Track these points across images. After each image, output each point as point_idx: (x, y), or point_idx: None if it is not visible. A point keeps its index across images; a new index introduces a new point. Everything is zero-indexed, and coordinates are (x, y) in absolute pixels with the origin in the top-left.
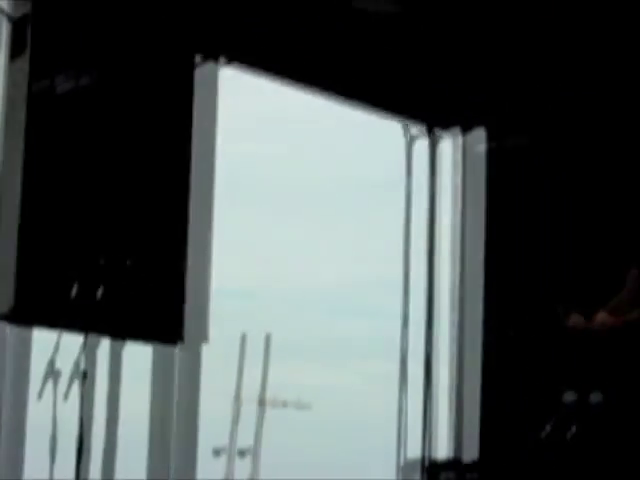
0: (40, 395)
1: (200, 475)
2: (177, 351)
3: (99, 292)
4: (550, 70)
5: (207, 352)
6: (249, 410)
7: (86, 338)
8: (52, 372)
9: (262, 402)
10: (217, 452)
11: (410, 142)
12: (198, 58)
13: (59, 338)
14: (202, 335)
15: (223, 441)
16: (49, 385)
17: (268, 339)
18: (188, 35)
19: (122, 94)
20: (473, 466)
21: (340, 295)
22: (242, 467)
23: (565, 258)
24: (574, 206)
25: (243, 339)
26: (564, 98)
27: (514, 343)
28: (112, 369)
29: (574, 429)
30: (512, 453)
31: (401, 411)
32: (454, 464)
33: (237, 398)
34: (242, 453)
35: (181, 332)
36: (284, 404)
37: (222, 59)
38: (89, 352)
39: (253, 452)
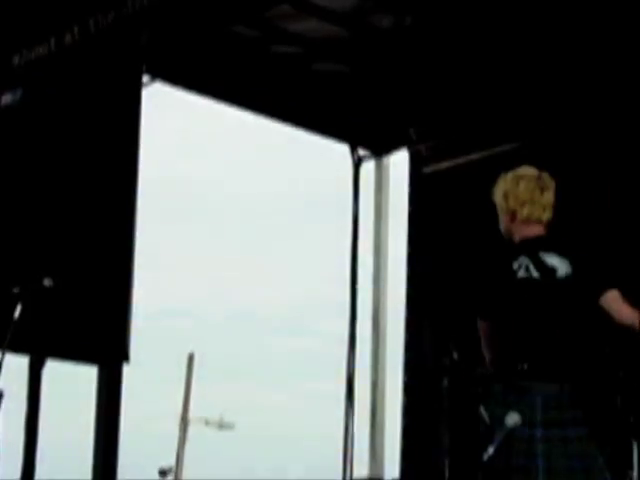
0: None
1: None
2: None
3: (17, 311)
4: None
5: (140, 371)
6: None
7: (2, 356)
8: None
9: (184, 421)
10: (163, 473)
11: (357, 163)
12: (146, 77)
13: (2, 358)
14: (122, 354)
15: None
16: None
17: (191, 358)
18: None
19: (49, 113)
20: None
21: (279, 315)
22: None
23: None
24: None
25: (190, 358)
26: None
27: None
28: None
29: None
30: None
31: (347, 430)
32: None
33: (184, 418)
34: (163, 473)
35: (126, 351)
36: (206, 423)
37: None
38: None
39: (175, 471)
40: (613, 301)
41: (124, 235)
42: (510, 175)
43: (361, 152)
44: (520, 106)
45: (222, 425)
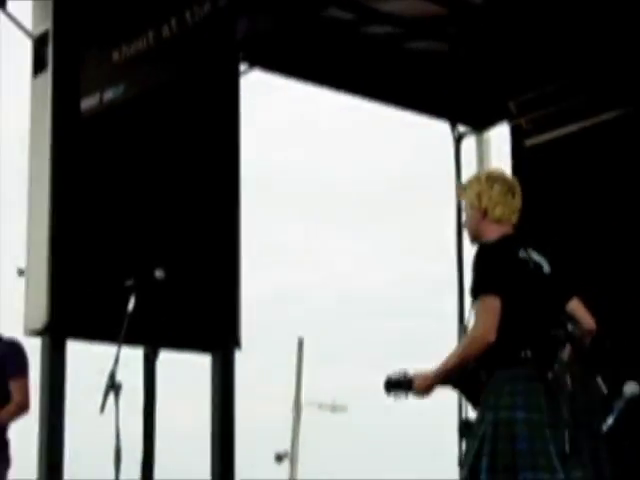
0: (102, 409)
1: None
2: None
3: (131, 304)
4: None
5: (257, 357)
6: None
7: (119, 349)
8: (112, 385)
9: (297, 406)
10: (279, 457)
11: (458, 139)
12: (243, 66)
13: (119, 351)
14: (234, 341)
15: (282, 446)
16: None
17: (301, 343)
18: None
19: (151, 106)
20: None
21: (387, 296)
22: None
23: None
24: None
25: (300, 343)
26: None
27: None
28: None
29: None
30: None
31: (461, 408)
32: None
33: (297, 403)
34: (279, 457)
35: (238, 338)
36: (319, 406)
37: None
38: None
39: (290, 455)
40: (578, 307)
41: (229, 224)
42: (484, 177)
43: (461, 128)
44: (621, 74)
45: (335, 408)
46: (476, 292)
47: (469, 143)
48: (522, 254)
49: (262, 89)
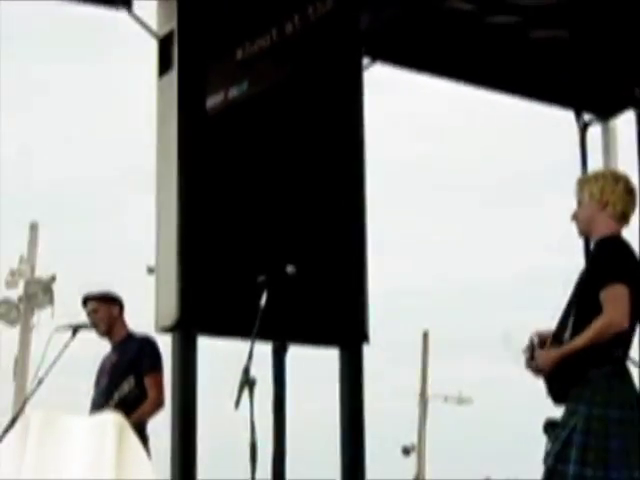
0: (237, 404)
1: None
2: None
3: (264, 299)
4: None
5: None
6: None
7: (252, 344)
8: (247, 380)
9: (423, 398)
10: (406, 451)
11: (583, 128)
12: (366, 60)
13: (252, 347)
14: (362, 335)
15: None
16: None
17: (426, 336)
18: (355, 37)
19: (275, 102)
20: None
21: (514, 289)
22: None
23: None
24: None
25: (425, 336)
26: None
27: None
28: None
29: None
30: None
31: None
32: None
33: (423, 395)
34: (406, 451)
35: (366, 332)
36: (445, 399)
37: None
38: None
39: (417, 449)
40: None
41: (356, 219)
42: (609, 173)
43: (586, 117)
44: None
45: (461, 400)
46: (606, 279)
47: (595, 132)
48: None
49: (385, 84)
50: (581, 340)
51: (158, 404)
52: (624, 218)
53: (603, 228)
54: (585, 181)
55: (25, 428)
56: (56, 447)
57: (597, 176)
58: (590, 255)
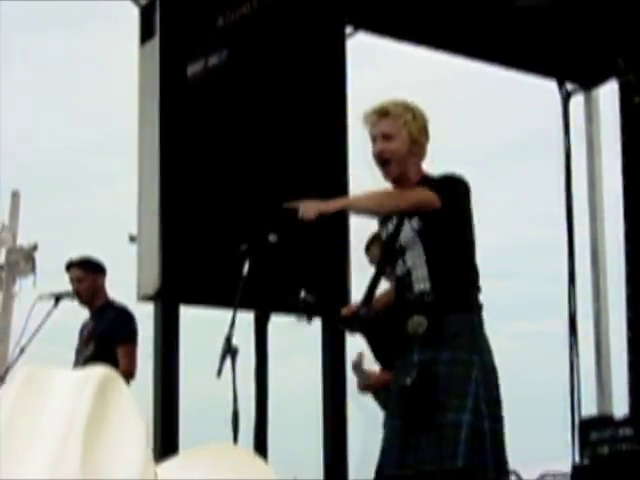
0: (219, 373)
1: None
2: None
3: (246, 268)
4: None
5: None
6: None
7: (234, 313)
8: (229, 349)
9: None
10: None
11: (566, 98)
12: (349, 29)
13: (234, 316)
14: (345, 305)
15: None
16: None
17: None
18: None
19: (258, 72)
20: (625, 422)
21: (497, 259)
22: None
23: None
24: None
25: None
26: None
27: None
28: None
29: None
30: None
31: (573, 368)
32: (605, 421)
33: None
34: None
35: (349, 301)
36: None
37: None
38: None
39: None
40: None
41: (339, 187)
42: (418, 109)
43: (569, 86)
44: None
45: None
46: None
47: (578, 101)
48: None
49: (367, 53)
50: (374, 200)
51: (126, 375)
52: None
53: (415, 175)
54: (397, 112)
55: (10, 382)
56: (34, 401)
57: (415, 110)
58: None
